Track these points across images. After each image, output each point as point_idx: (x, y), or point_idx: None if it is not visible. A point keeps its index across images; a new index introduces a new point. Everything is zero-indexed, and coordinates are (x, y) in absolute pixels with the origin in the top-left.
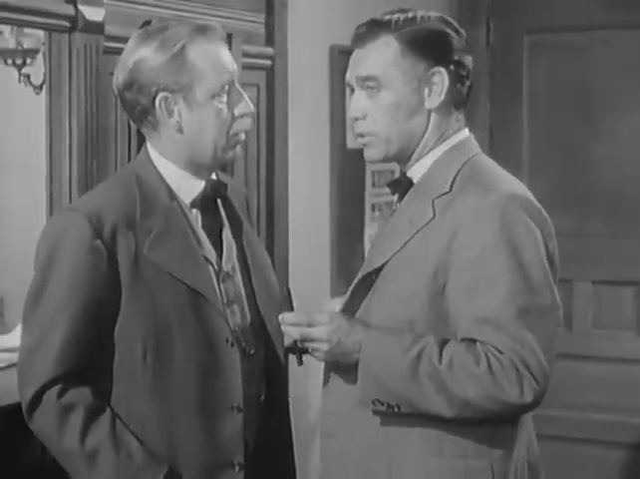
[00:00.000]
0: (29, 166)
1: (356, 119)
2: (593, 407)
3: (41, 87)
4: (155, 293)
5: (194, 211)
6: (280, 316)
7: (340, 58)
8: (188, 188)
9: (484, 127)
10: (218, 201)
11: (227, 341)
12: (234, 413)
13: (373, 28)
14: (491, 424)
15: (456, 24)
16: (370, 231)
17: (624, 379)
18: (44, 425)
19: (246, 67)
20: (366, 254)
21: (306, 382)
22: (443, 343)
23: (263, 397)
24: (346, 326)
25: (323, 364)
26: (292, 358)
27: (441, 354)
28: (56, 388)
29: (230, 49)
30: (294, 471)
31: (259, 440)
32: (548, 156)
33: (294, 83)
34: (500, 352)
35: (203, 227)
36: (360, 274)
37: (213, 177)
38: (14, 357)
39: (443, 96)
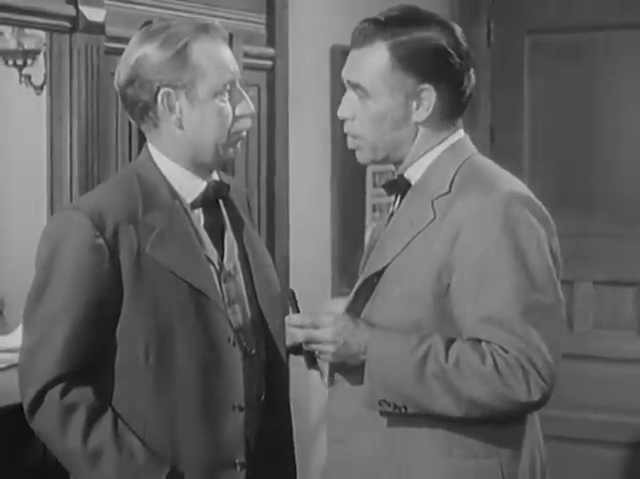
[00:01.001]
0: (30, 166)
1: (345, 119)
2: (594, 407)
3: (42, 87)
4: (157, 292)
5: (196, 210)
6: (286, 318)
7: (341, 58)
8: (190, 187)
9: (485, 127)
10: (220, 201)
11: (229, 340)
12: (236, 412)
13: (370, 30)
14: (499, 423)
15: (458, 33)
16: (371, 231)
17: (625, 380)
18: (46, 425)
19: (247, 67)
20: (363, 257)
21: (307, 384)
22: (449, 343)
23: (264, 397)
24: (351, 327)
25: (328, 368)
26: (295, 359)
27: (447, 354)
28: (58, 388)
29: (231, 49)
30: (295, 470)
31: (260, 439)
32: (549, 156)
33: (295, 83)
34: (506, 351)
35: (205, 226)
36: (362, 277)
37: (215, 177)
38: (14, 358)
39: (430, 111)
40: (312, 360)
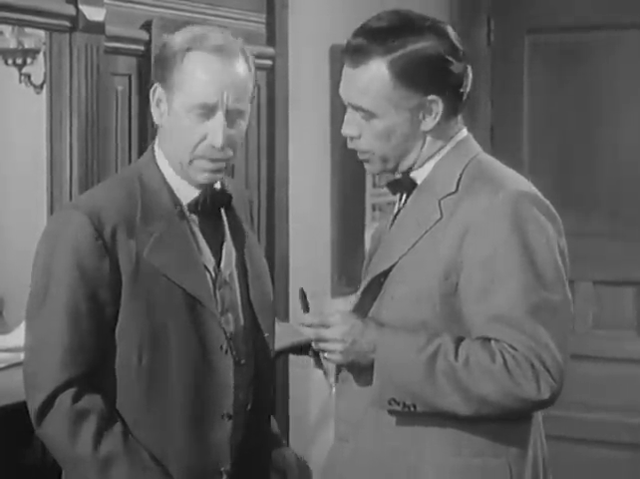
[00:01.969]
0: (29, 166)
1: (351, 137)
2: (594, 407)
3: (41, 87)
4: (152, 297)
5: (194, 215)
6: (299, 318)
7: (341, 58)
8: (186, 192)
9: (485, 126)
10: (222, 209)
11: (222, 348)
12: (224, 420)
13: (364, 47)
14: (507, 422)
15: (452, 36)
16: (371, 231)
17: (625, 379)
18: (55, 430)
19: None
20: (366, 256)
21: (307, 384)
22: (458, 341)
23: (250, 406)
24: (360, 326)
25: (334, 367)
26: (295, 359)
27: (456, 352)
28: (69, 392)
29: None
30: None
31: (244, 447)
32: (549, 155)
33: (295, 83)
34: (515, 349)
35: (203, 233)
36: (369, 277)
37: (217, 186)
38: (14, 358)
39: (438, 119)
40: (319, 360)
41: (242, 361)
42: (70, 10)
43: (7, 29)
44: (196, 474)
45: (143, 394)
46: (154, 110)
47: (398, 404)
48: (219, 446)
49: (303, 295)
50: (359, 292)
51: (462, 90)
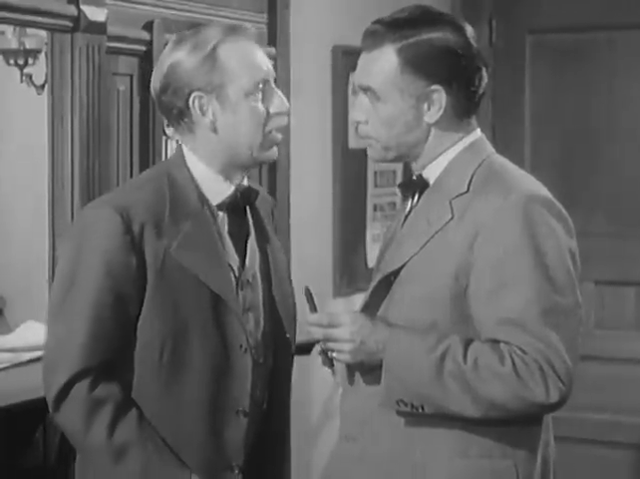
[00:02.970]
0: (31, 166)
1: (358, 122)
2: (595, 407)
3: (43, 87)
4: (177, 294)
5: (222, 215)
6: (307, 317)
7: (342, 58)
8: (218, 190)
9: (486, 126)
10: (247, 208)
11: (241, 347)
12: (240, 417)
13: (378, 33)
14: (515, 424)
15: (468, 33)
16: (372, 231)
17: (627, 379)
18: (71, 417)
19: None
20: (369, 254)
21: (309, 385)
22: (467, 343)
23: (266, 405)
24: (369, 326)
25: (344, 367)
26: (295, 359)
27: (465, 354)
28: (86, 381)
29: None
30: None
31: (258, 444)
32: (550, 155)
33: (296, 83)
34: (525, 352)
35: (230, 232)
36: (379, 276)
37: (245, 183)
38: (15, 358)
39: (441, 112)
40: (328, 359)
41: (261, 360)
42: (71, 10)
43: (9, 29)
44: (209, 468)
45: (161, 388)
46: (200, 121)
47: (406, 405)
48: (233, 442)
49: (309, 294)
50: (368, 291)
51: (472, 89)
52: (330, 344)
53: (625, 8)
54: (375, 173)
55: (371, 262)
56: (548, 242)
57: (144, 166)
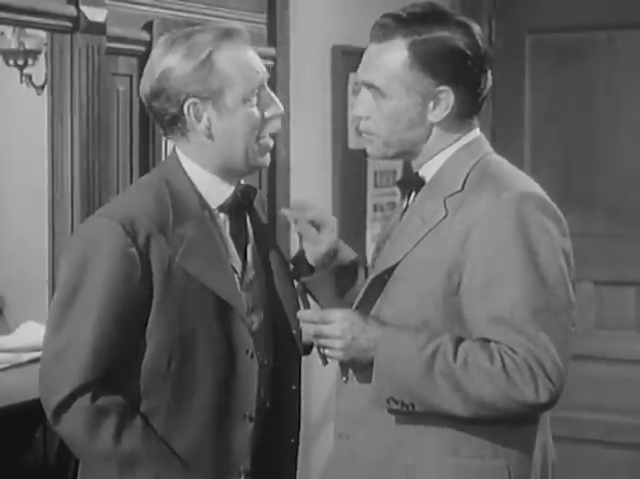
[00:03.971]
0: (31, 166)
1: (360, 118)
2: (595, 408)
3: (43, 87)
4: (184, 301)
5: (222, 217)
6: (298, 314)
7: (342, 58)
8: (218, 192)
9: (486, 126)
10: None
11: (247, 352)
12: (246, 422)
13: (391, 26)
14: (508, 424)
15: (477, 34)
16: (372, 231)
17: (626, 380)
18: (74, 428)
19: None
20: (369, 254)
21: (307, 384)
22: (458, 342)
23: (269, 404)
24: (360, 323)
25: (338, 364)
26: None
27: (456, 353)
28: (89, 394)
29: None
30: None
31: (263, 448)
32: (550, 155)
33: (296, 83)
34: (514, 352)
35: (231, 235)
36: (373, 274)
37: (242, 181)
38: (15, 358)
39: (447, 112)
40: (322, 356)
41: (265, 362)
42: (71, 11)
43: (8, 30)
44: (217, 474)
45: (169, 396)
46: (194, 126)
47: (396, 403)
48: (239, 446)
49: (304, 290)
50: (362, 291)
51: (477, 91)
52: (321, 341)
53: (625, 8)
54: (375, 173)
55: None
56: (541, 241)
57: (143, 166)
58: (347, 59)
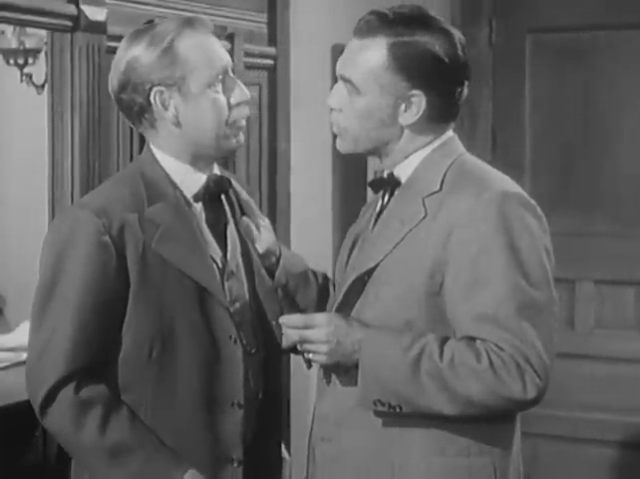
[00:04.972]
0: (31, 165)
1: (332, 109)
2: (595, 407)
3: (43, 86)
4: (162, 289)
5: (199, 207)
6: (281, 319)
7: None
8: (191, 181)
9: (487, 127)
10: (222, 197)
11: (231, 338)
12: (235, 409)
13: (375, 23)
14: (491, 422)
15: (459, 43)
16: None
17: (626, 379)
18: (60, 421)
19: (248, 66)
20: (341, 253)
21: (306, 384)
22: (443, 341)
23: (261, 395)
24: (344, 326)
25: (318, 367)
26: (295, 358)
27: (442, 353)
28: (72, 385)
29: (233, 48)
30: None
31: (257, 436)
32: (551, 155)
33: (296, 82)
34: (501, 349)
35: (207, 223)
36: (353, 276)
37: (217, 172)
38: (15, 357)
39: (418, 116)
40: (305, 360)
41: (252, 351)
42: (71, 10)
43: (8, 29)
44: (208, 462)
45: (153, 385)
46: (162, 115)
47: (383, 405)
48: (230, 434)
49: (286, 295)
50: (342, 293)
51: (451, 99)
52: (306, 346)
53: (625, 8)
54: (375, 173)
55: None
56: (523, 238)
57: None
58: None
